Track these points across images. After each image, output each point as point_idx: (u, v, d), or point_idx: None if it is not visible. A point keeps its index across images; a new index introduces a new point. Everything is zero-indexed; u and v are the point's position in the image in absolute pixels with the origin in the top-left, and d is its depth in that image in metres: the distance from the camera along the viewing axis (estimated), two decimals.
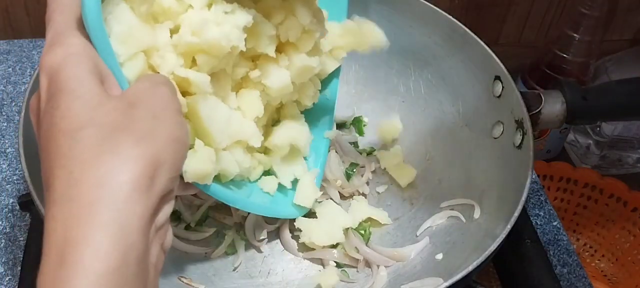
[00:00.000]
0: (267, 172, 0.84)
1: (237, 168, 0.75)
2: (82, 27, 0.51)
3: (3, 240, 0.92)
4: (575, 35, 1.16)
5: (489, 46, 0.90)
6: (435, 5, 0.95)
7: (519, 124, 0.83)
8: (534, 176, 1.00)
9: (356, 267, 0.84)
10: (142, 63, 0.60)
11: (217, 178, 0.74)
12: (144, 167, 0.46)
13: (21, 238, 0.92)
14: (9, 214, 0.95)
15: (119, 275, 0.43)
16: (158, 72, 0.62)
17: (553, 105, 0.86)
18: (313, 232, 0.84)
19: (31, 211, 0.90)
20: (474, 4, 1.19)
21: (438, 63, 0.97)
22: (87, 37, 0.51)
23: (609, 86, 1.01)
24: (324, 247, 0.84)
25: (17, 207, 0.92)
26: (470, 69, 0.93)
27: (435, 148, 0.94)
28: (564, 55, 1.18)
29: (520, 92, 0.85)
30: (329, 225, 0.85)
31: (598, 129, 1.29)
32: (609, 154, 1.33)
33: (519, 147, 0.83)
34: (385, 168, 0.96)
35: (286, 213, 0.85)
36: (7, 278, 0.88)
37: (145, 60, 0.61)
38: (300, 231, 0.85)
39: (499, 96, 0.88)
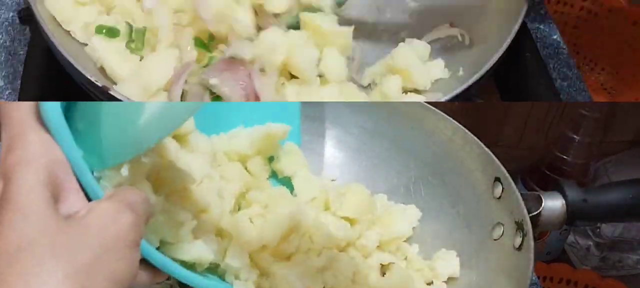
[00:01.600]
0: None
1: (212, 255, 0.73)
2: (41, 120, 0.49)
3: (3, 54, 0.93)
4: (575, 136, 1.17)
5: (488, 148, 0.91)
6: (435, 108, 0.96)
7: (519, 226, 0.83)
8: (534, 278, 0.99)
9: None
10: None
11: (192, 267, 0.71)
12: None
13: (21, 52, 0.93)
14: (9, 28, 0.95)
15: None
16: None
17: (553, 207, 0.86)
18: None
19: (31, 25, 0.89)
20: (472, 106, 1.20)
21: (438, 164, 0.97)
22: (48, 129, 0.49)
23: (609, 187, 1.01)
24: None
25: (17, 21, 0.91)
26: (471, 170, 0.93)
27: (434, 250, 0.93)
28: (564, 157, 1.19)
29: (520, 194, 0.85)
30: None
31: (598, 230, 1.29)
32: (609, 256, 1.32)
33: (519, 248, 0.82)
34: None
35: None
36: (7, 92, 0.89)
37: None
38: None
39: (499, 198, 0.88)
